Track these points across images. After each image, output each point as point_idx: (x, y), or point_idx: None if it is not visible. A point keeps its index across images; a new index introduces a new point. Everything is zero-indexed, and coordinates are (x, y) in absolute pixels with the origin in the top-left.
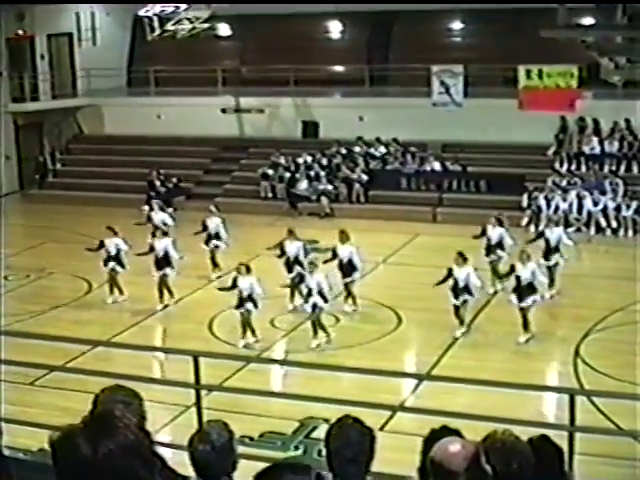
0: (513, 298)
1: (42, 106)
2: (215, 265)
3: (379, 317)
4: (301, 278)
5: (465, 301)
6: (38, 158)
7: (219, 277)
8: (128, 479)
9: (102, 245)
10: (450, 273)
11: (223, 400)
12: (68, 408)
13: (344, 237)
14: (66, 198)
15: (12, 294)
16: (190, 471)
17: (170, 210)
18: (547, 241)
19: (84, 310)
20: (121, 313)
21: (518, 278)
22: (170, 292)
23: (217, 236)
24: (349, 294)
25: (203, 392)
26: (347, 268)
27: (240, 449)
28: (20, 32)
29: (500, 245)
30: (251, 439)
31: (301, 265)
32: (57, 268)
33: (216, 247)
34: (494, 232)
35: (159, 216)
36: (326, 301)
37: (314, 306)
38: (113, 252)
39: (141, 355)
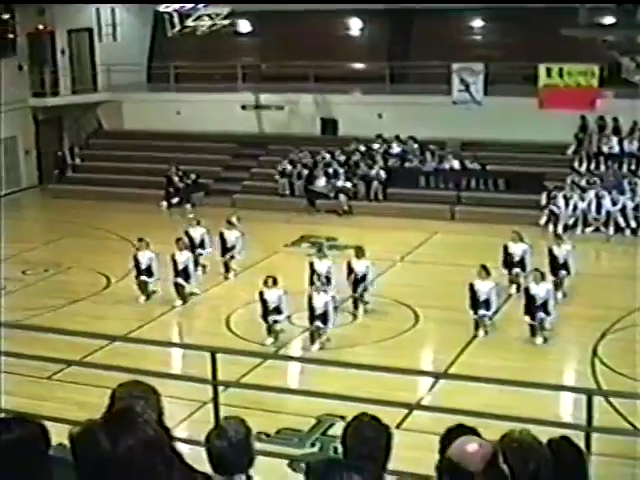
0: (527, 319)
1: (62, 101)
2: (227, 270)
3: (396, 315)
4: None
5: (484, 316)
6: (57, 153)
7: (236, 274)
8: (146, 475)
9: (137, 262)
10: (472, 288)
11: (240, 396)
12: (85, 402)
13: (360, 252)
14: (85, 193)
15: (30, 289)
16: (207, 467)
17: (188, 206)
18: (532, 298)
19: (102, 305)
20: (140, 308)
21: (532, 298)
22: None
23: (201, 245)
24: (356, 306)
25: (220, 388)
26: (360, 284)
27: (257, 445)
28: (41, 27)
29: (522, 262)
30: (268, 435)
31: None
32: (75, 263)
33: (200, 255)
34: (517, 248)
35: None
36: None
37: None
38: (144, 265)
39: (159, 351)
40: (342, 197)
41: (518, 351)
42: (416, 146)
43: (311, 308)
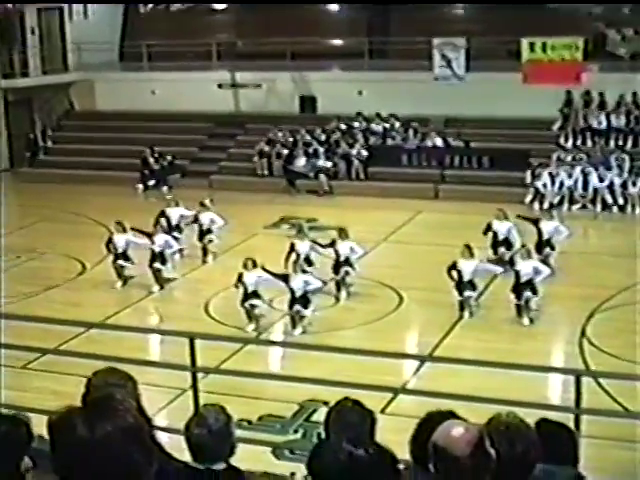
0: (512, 298)
1: (32, 82)
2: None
3: (380, 297)
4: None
5: (469, 297)
6: (29, 135)
7: (215, 257)
8: (124, 463)
9: (110, 241)
10: (455, 266)
11: (220, 383)
12: (62, 392)
13: (343, 234)
14: (58, 176)
15: (3, 275)
16: (187, 455)
17: (165, 188)
18: (517, 274)
19: (78, 291)
20: (116, 294)
21: (517, 273)
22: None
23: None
24: (339, 289)
25: (199, 375)
26: (343, 266)
27: (238, 433)
28: (9, 6)
29: (507, 241)
30: (249, 422)
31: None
32: (50, 248)
33: (177, 239)
34: (501, 226)
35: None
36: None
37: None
38: (121, 249)
39: (136, 337)
40: (322, 177)
41: (505, 332)
42: (398, 124)
43: (291, 290)
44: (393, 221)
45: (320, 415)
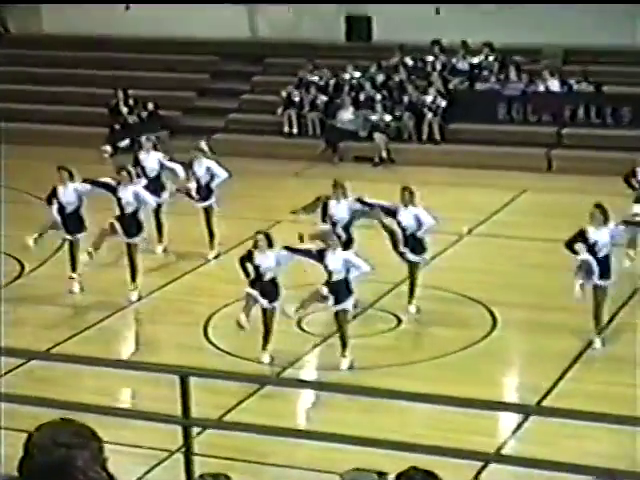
0: None
1: None
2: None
3: (462, 317)
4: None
5: (602, 287)
6: None
7: (217, 257)
8: None
9: (54, 194)
10: (582, 235)
11: (224, 442)
12: None
13: (408, 196)
14: None
15: None
16: None
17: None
18: None
19: (13, 304)
20: (71, 308)
21: None
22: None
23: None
24: (412, 285)
25: (194, 430)
26: (412, 244)
27: None
28: None
29: None
30: None
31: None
32: None
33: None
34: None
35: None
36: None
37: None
38: (71, 207)
39: (101, 373)
40: (379, 137)
41: None
42: (493, 58)
43: (328, 272)
44: (483, 205)
45: None
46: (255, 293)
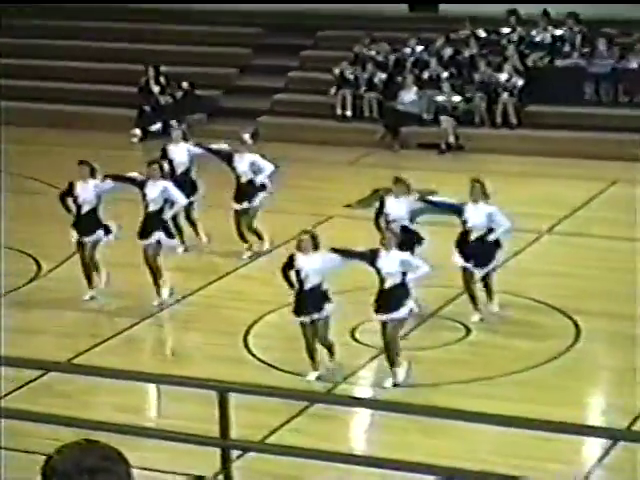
0: None
1: None
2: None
3: (540, 326)
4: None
5: None
6: None
7: (252, 256)
8: None
9: (70, 191)
10: None
11: (266, 467)
12: None
13: (479, 190)
14: None
15: None
16: None
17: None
18: None
19: (29, 308)
20: (93, 313)
21: None
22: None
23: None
24: (487, 289)
25: (234, 453)
26: (481, 254)
27: None
28: None
29: None
30: None
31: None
32: None
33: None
34: None
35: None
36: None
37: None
38: (88, 206)
39: (126, 388)
40: (446, 121)
41: None
42: (578, 29)
43: (380, 278)
44: (565, 198)
45: None
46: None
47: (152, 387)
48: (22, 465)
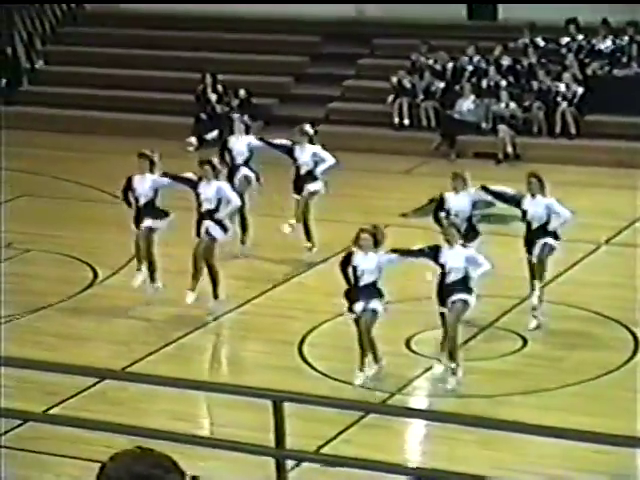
0: None
1: None
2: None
3: (598, 338)
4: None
5: None
6: (5, 50)
7: (315, 264)
8: None
9: (129, 186)
10: None
11: (322, 477)
12: None
13: (536, 184)
14: (51, 120)
15: None
16: None
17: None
18: None
19: (84, 316)
20: (147, 322)
21: None
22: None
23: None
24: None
25: (289, 463)
26: (539, 236)
27: None
28: None
29: None
30: None
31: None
32: (38, 241)
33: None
34: None
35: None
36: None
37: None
38: (144, 199)
39: (179, 397)
40: (504, 130)
41: None
42: (638, 38)
43: (441, 273)
44: (624, 209)
45: None
46: (352, 315)
47: (206, 395)
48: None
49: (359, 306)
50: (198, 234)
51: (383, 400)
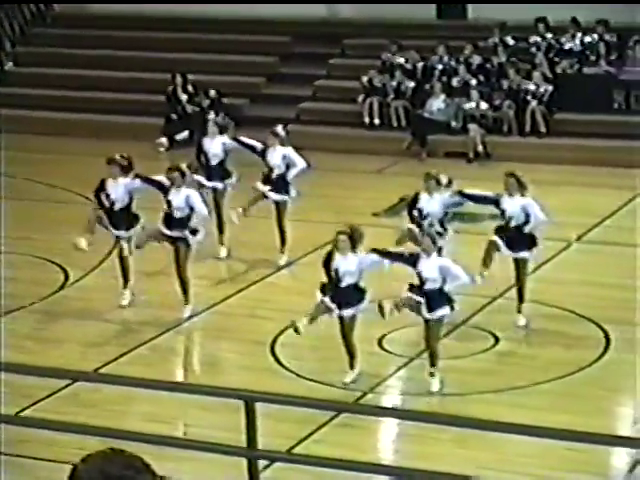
0: None
1: None
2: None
3: (569, 336)
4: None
5: None
6: None
7: (288, 265)
8: None
9: (102, 188)
10: None
11: (294, 477)
12: None
13: (515, 185)
14: (20, 121)
15: None
16: None
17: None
18: None
19: (56, 317)
20: (120, 324)
21: None
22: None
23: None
24: (520, 292)
25: (261, 463)
26: (519, 240)
27: None
28: None
29: None
30: None
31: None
32: (9, 243)
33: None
34: None
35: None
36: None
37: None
38: (119, 204)
39: (154, 397)
40: (474, 129)
41: None
42: (609, 37)
43: (420, 280)
44: (594, 207)
45: None
46: (327, 300)
47: (180, 397)
48: (49, 475)
49: (339, 311)
50: (170, 240)
51: (356, 399)
